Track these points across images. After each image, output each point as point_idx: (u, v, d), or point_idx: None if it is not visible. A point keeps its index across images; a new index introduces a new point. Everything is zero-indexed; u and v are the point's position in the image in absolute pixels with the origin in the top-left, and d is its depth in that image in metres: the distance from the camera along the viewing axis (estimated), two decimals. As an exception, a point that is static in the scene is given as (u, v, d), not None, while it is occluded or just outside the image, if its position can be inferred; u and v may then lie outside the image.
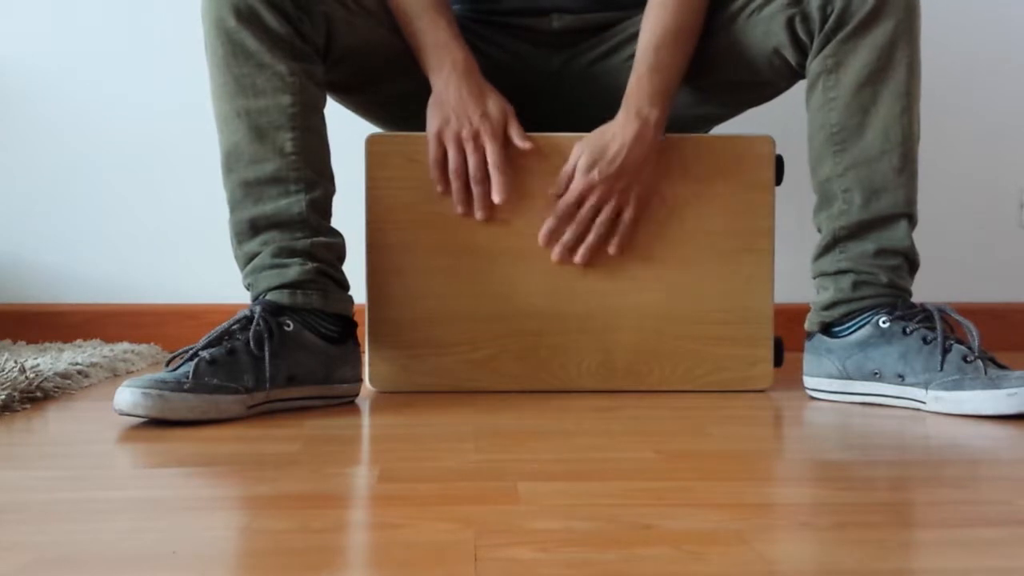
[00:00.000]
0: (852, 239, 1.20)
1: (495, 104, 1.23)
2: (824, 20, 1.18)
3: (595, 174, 1.21)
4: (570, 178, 1.23)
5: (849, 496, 0.76)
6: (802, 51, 1.22)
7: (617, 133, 1.22)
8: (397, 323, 1.26)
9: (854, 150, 1.19)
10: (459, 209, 1.25)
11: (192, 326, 1.71)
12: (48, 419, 1.10)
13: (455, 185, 1.24)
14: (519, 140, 1.23)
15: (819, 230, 1.24)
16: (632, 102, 1.22)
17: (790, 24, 1.20)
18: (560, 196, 1.24)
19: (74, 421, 1.10)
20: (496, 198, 1.23)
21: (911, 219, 1.20)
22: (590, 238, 1.24)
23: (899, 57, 1.17)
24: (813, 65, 1.20)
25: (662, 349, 1.28)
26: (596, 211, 1.24)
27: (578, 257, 1.25)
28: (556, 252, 1.25)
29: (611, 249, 1.25)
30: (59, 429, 1.06)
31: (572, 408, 1.15)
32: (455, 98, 1.22)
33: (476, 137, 1.22)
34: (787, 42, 1.21)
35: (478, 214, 1.25)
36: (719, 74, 1.30)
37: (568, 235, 1.24)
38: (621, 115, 1.23)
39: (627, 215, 1.24)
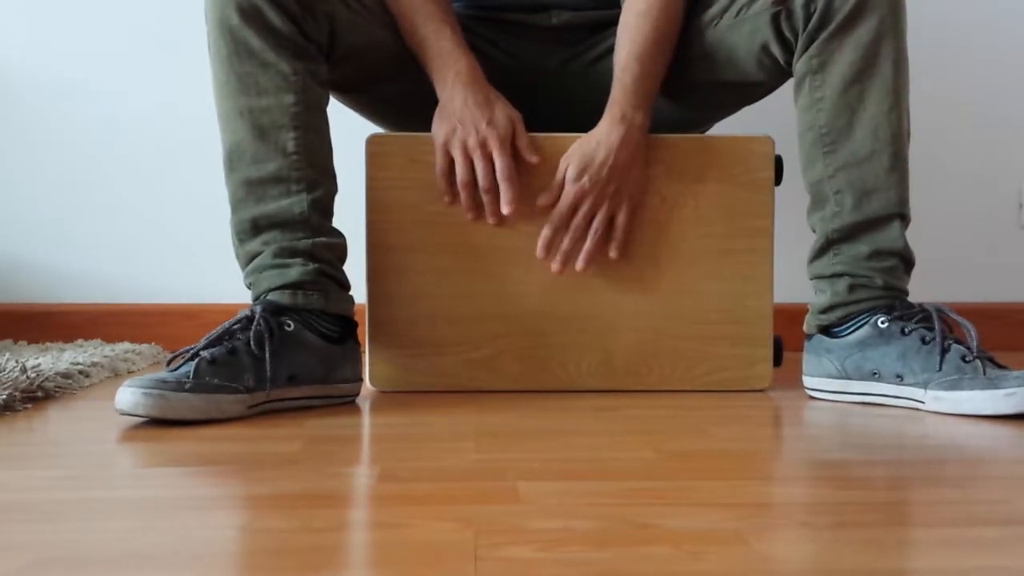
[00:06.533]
0: (845, 241, 1.20)
1: (502, 113, 1.23)
2: (808, 19, 1.18)
3: (585, 181, 1.21)
4: (560, 188, 1.23)
5: (848, 495, 0.76)
6: (789, 49, 1.22)
7: (602, 139, 1.22)
8: (397, 323, 1.26)
9: (843, 151, 1.19)
10: (469, 216, 1.25)
11: (193, 326, 1.71)
12: (49, 419, 1.10)
13: (463, 195, 1.23)
14: (526, 153, 1.23)
15: (813, 231, 1.24)
16: (616, 108, 1.22)
17: (775, 21, 1.20)
18: (551, 206, 1.23)
19: (75, 421, 1.10)
20: (505, 209, 1.23)
21: (904, 218, 1.20)
22: (587, 245, 1.24)
23: (885, 54, 1.17)
24: (799, 65, 1.21)
25: (662, 349, 1.28)
26: (590, 218, 1.23)
27: (578, 264, 1.24)
28: (556, 262, 1.25)
29: (611, 253, 1.25)
30: (60, 429, 1.06)
31: (572, 408, 1.16)
32: (461, 107, 1.22)
33: (483, 145, 1.22)
34: (773, 39, 1.21)
35: (490, 220, 1.24)
36: (710, 74, 1.30)
37: (566, 244, 1.24)
38: (605, 121, 1.23)
39: (621, 219, 1.24)
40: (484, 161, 1.22)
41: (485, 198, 1.23)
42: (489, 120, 1.22)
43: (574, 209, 1.23)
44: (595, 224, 1.23)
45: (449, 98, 1.23)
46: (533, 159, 1.23)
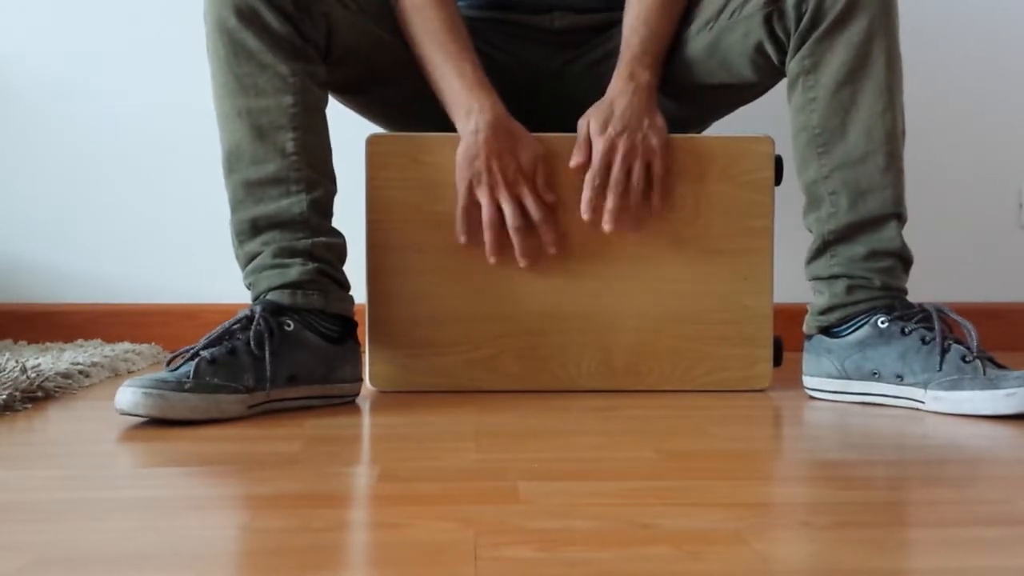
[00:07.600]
0: (842, 242, 1.20)
1: (527, 155, 1.22)
2: (799, 18, 1.18)
3: (611, 130, 1.20)
4: (587, 146, 1.22)
5: (848, 495, 0.76)
6: (782, 49, 1.22)
7: (617, 95, 1.22)
8: (397, 323, 1.26)
9: (837, 152, 1.19)
10: (492, 260, 1.23)
11: (193, 326, 1.71)
12: (49, 419, 1.10)
13: (490, 235, 1.22)
14: (544, 192, 1.23)
15: (810, 231, 1.24)
16: (624, 68, 1.23)
17: (768, 21, 1.20)
18: (583, 166, 1.22)
19: (75, 421, 1.10)
20: (552, 250, 1.24)
21: (900, 218, 1.20)
22: (634, 198, 1.22)
23: (877, 53, 1.16)
24: (791, 66, 1.21)
25: (662, 349, 1.28)
26: (628, 169, 1.21)
27: (628, 224, 1.22)
28: (606, 222, 1.21)
29: (655, 203, 1.23)
30: (60, 429, 1.06)
31: (572, 408, 1.16)
32: (486, 151, 1.20)
33: (512, 188, 1.21)
34: (767, 39, 1.21)
35: (522, 263, 1.23)
36: (707, 77, 1.30)
37: (611, 200, 1.21)
38: (615, 81, 1.23)
39: (657, 166, 1.22)
40: (514, 204, 1.21)
41: (516, 238, 1.22)
42: (517, 167, 1.21)
43: (608, 163, 1.21)
44: (635, 175, 1.21)
45: (472, 139, 1.20)
46: (549, 198, 1.23)
